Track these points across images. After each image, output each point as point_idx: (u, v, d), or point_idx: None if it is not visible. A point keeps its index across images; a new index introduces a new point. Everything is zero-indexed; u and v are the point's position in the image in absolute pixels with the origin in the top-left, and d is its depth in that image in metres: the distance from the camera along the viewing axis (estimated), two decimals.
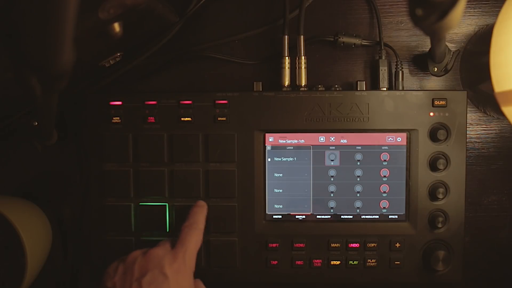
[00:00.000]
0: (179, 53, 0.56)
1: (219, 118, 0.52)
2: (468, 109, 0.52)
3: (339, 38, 0.54)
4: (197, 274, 0.49)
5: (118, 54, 0.52)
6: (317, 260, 0.52)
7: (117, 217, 0.52)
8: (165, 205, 0.52)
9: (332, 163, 0.53)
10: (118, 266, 0.44)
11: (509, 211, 0.57)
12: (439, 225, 0.51)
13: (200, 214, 0.49)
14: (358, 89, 0.52)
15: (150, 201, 0.52)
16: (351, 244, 0.52)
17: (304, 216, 0.53)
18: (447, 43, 0.54)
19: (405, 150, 0.52)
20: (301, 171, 0.53)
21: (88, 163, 0.53)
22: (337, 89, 0.52)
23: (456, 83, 0.56)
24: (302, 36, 0.53)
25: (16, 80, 0.31)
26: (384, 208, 0.53)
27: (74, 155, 0.56)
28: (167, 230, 0.52)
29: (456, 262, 0.52)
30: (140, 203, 0.52)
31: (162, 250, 0.45)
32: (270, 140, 0.53)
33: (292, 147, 0.53)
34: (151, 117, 0.52)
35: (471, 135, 0.56)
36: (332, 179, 0.53)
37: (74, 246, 0.57)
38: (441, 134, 0.51)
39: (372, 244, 0.52)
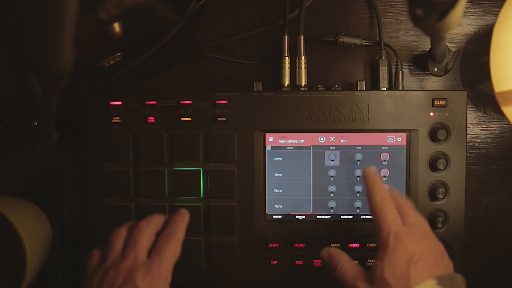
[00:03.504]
0: (179, 53, 0.56)
1: (219, 118, 0.52)
2: (468, 109, 0.52)
3: (339, 38, 0.54)
4: (197, 274, 0.49)
5: (118, 54, 0.52)
6: (317, 260, 0.52)
7: (117, 217, 0.52)
8: (165, 205, 0.52)
9: (332, 163, 0.53)
10: (91, 281, 0.42)
11: (509, 211, 0.57)
12: (439, 225, 0.51)
13: (180, 223, 0.46)
14: (358, 89, 0.52)
15: (150, 201, 0.52)
16: (351, 244, 0.52)
17: (304, 216, 0.53)
18: (447, 43, 0.54)
19: (405, 150, 0.52)
20: (301, 171, 0.53)
21: (88, 163, 0.53)
22: (337, 89, 0.52)
23: (456, 83, 0.56)
24: (302, 36, 0.53)
25: (16, 80, 0.31)
26: None
27: (74, 155, 0.56)
28: None
29: (456, 262, 0.52)
30: (140, 203, 0.52)
31: (133, 260, 0.42)
32: (270, 140, 0.53)
33: (292, 147, 0.53)
34: (151, 117, 0.52)
35: (471, 135, 0.56)
36: (332, 179, 0.53)
37: (74, 246, 0.57)
38: (441, 134, 0.51)
39: (372, 244, 0.52)
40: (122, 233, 0.45)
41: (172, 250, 0.44)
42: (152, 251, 0.43)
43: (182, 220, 0.47)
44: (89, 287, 0.42)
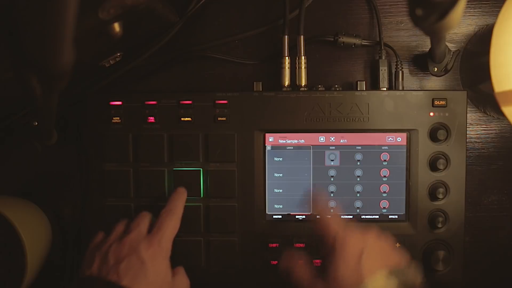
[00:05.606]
0: (179, 53, 0.56)
1: (219, 118, 0.52)
2: (468, 109, 0.52)
3: (339, 38, 0.54)
4: (197, 274, 0.49)
5: (118, 54, 0.52)
6: (317, 260, 0.52)
7: (117, 217, 0.52)
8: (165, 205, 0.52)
9: (332, 163, 0.53)
10: (95, 254, 0.44)
11: (509, 211, 0.57)
12: (439, 225, 0.51)
13: (178, 200, 0.49)
14: (358, 89, 0.53)
15: (150, 201, 0.52)
16: None
17: (304, 216, 0.53)
18: (447, 43, 0.54)
19: (405, 150, 0.52)
20: (301, 171, 0.53)
21: (88, 163, 0.53)
22: (337, 89, 0.52)
23: (456, 83, 0.56)
24: (302, 36, 0.53)
25: (16, 80, 0.31)
26: (384, 208, 0.53)
27: (74, 155, 0.56)
28: None
29: (456, 262, 0.52)
30: (140, 203, 0.52)
31: (137, 235, 0.45)
32: (270, 140, 0.53)
33: (292, 147, 0.53)
34: (151, 117, 0.52)
35: (471, 135, 0.56)
36: (332, 179, 0.53)
37: (74, 246, 0.57)
38: (441, 134, 0.51)
39: None
40: (124, 221, 0.49)
41: (172, 225, 0.47)
42: (154, 226, 0.46)
43: (181, 198, 0.50)
44: (92, 259, 0.44)
